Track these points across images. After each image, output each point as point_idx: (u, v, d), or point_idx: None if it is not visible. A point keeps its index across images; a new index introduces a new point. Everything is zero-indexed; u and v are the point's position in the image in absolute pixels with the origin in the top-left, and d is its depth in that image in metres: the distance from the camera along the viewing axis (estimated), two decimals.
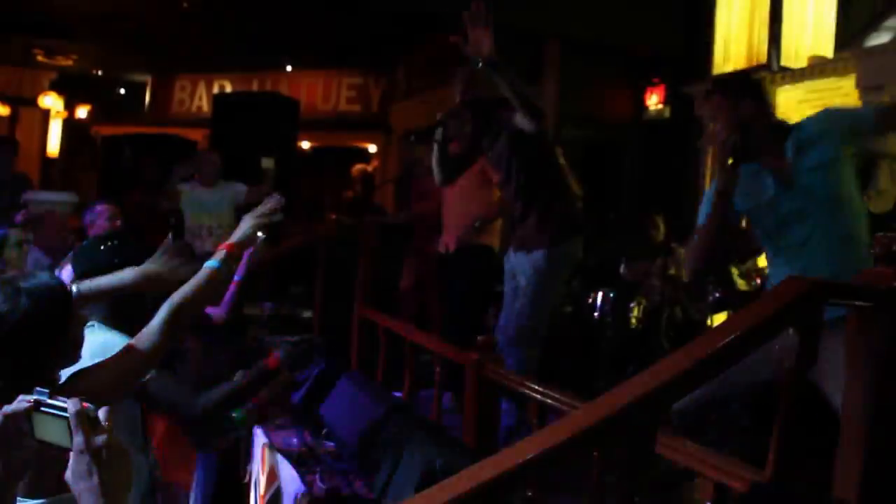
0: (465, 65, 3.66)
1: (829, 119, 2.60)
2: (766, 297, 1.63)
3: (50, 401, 1.19)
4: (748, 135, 2.51)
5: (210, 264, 2.07)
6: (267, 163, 5.77)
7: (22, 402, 1.21)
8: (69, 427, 1.16)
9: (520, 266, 3.89)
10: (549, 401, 2.75)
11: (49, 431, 1.19)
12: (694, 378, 1.62)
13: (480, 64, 3.37)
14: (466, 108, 3.97)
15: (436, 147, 4.03)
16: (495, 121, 3.91)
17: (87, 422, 1.16)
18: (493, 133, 3.94)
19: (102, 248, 2.43)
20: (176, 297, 1.98)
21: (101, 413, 1.19)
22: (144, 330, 1.95)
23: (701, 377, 1.68)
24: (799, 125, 2.59)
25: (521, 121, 3.71)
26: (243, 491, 3.71)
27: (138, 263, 2.24)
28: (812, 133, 2.54)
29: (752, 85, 2.81)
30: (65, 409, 1.17)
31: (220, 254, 2.12)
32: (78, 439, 1.15)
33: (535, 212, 3.82)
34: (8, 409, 1.21)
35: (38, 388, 1.21)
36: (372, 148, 12.16)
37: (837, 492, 1.67)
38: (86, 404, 1.18)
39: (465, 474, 1.43)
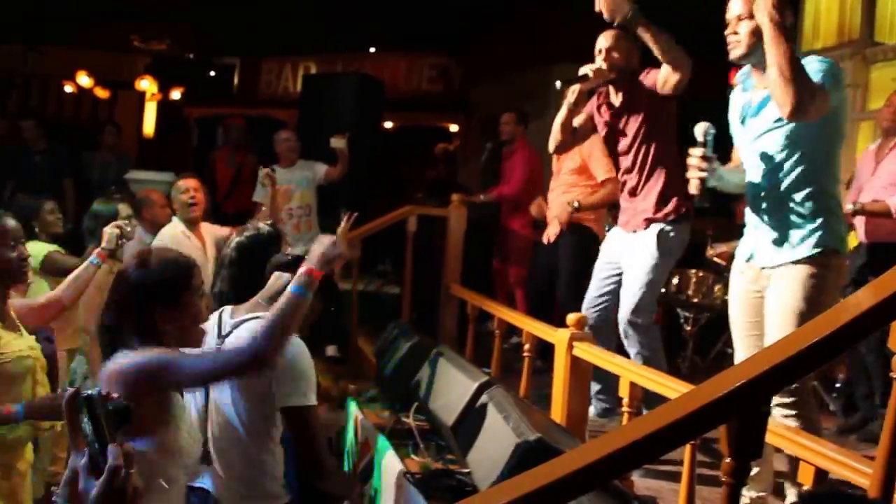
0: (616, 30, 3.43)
1: None
2: (882, 279, 1.60)
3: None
4: None
5: (294, 290, 2.00)
6: (337, 142, 5.76)
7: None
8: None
9: (627, 248, 3.73)
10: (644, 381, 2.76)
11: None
12: (800, 366, 1.60)
13: (618, 20, 3.19)
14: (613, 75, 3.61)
15: (565, 107, 3.71)
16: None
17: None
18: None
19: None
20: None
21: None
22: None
23: (807, 367, 1.66)
24: None
25: (664, 76, 3.41)
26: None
27: None
28: None
29: None
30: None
31: (302, 279, 2.03)
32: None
33: (655, 186, 3.61)
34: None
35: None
36: (453, 127, 12.20)
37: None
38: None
39: (572, 455, 1.45)
